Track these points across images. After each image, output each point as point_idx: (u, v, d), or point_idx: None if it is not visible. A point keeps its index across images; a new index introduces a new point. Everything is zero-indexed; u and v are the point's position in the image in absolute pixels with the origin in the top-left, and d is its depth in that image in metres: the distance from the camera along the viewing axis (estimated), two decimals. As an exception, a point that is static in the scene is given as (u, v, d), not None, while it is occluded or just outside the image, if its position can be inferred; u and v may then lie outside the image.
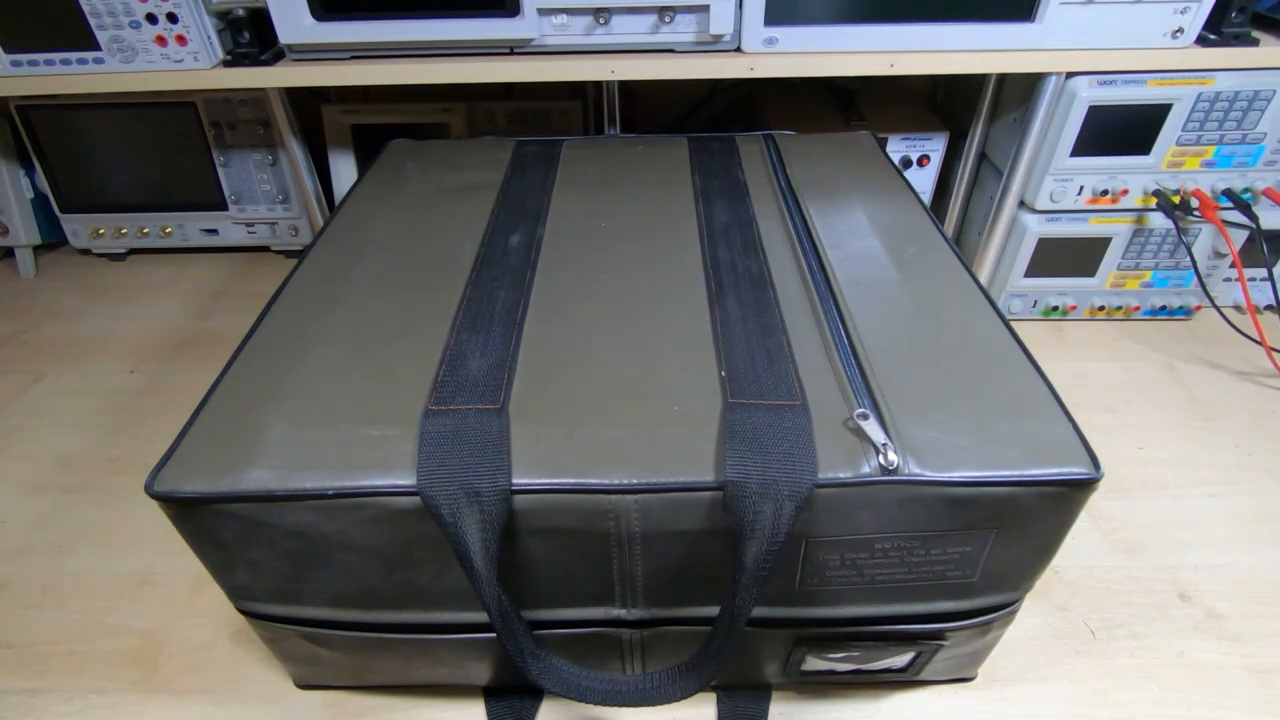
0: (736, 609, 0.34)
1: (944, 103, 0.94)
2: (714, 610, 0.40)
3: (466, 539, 0.33)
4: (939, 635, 0.42)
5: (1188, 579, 0.54)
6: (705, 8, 0.65)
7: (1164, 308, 0.80)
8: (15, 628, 0.52)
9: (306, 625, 0.41)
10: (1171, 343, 0.79)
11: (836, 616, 0.40)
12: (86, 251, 0.95)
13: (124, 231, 0.92)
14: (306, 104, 0.82)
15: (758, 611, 0.39)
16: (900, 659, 0.44)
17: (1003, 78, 0.76)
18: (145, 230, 0.91)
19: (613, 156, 0.64)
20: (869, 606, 0.40)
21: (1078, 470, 0.34)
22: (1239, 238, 0.73)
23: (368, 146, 0.86)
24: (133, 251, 0.96)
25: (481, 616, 0.40)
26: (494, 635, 0.40)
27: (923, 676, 0.47)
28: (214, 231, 0.92)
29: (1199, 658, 0.50)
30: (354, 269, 0.48)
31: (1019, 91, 0.74)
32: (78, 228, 0.92)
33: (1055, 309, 0.81)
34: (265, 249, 0.95)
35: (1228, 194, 0.71)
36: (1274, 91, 0.66)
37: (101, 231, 0.92)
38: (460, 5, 0.64)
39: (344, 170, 0.87)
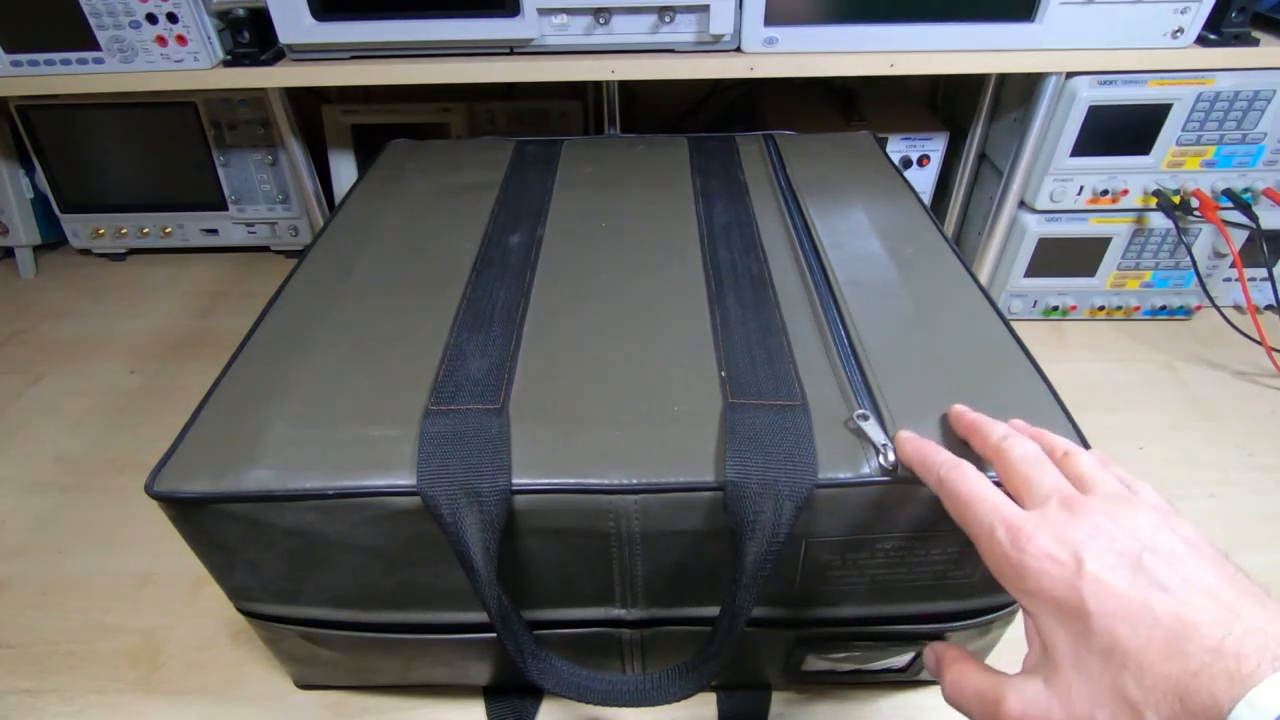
0: (736, 609, 0.34)
1: (944, 103, 0.94)
2: (714, 610, 0.40)
3: (466, 539, 0.33)
4: (939, 635, 0.41)
5: (1188, 579, 0.54)
6: (705, 8, 0.65)
7: (1164, 308, 0.80)
8: (15, 628, 0.52)
9: (306, 625, 0.41)
10: (1171, 343, 0.79)
11: (837, 616, 0.40)
12: (86, 251, 0.95)
13: (124, 231, 0.91)
14: (306, 104, 0.82)
15: (758, 611, 0.39)
16: (900, 659, 0.44)
17: (1003, 78, 0.76)
18: (145, 230, 0.91)
19: (613, 156, 0.64)
20: (869, 606, 0.40)
21: (1078, 470, 0.34)
22: (1239, 238, 0.73)
23: (368, 146, 0.86)
24: (133, 251, 0.96)
25: (481, 616, 0.39)
26: (494, 635, 0.40)
27: (923, 676, 0.47)
28: (214, 231, 0.92)
29: (1199, 658, 0.49)
30: (354, 269, 0.48)
31: (1019, 91, 0.74)
32: (78, 228, 0.92)
33: (1055, 309, 0.81)
34: (265, 249, 0.95)
35: (1228, 194, 0.71)
36: (1274, 91, 0.66)
37: (101, 231, 0.92)
38: (460, 5, 0.64)
39: (344, 170, 0.87)
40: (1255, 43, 0.66)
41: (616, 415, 0.36)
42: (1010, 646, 0.50)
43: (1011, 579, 0.27)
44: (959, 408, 0.35)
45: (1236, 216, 0.71)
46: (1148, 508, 0.27)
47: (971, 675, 0.29)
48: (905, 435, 0.33)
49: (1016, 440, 0.31)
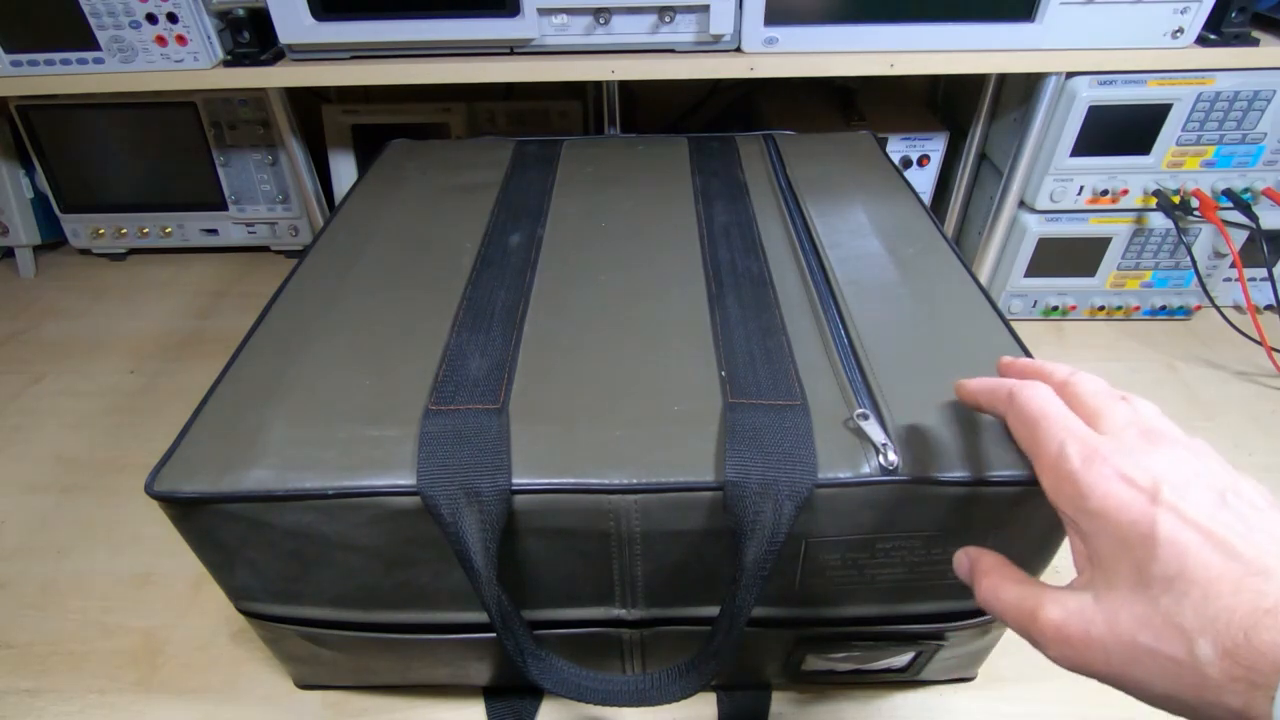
0: (736, 609, 0.34)
1: (944, 103, 0.94)
2: (714, 610, 0.40)
3: (466, 539, 0.33)
4: (939, 635, 0.42)
5: (1188, 579, 0.54)
6: (705, 8, 0.65)
7: (1164, 308, 0.80)
8: (15, 628, 0.52)
9: (306, 625, 0.41)
10: (1171, 343, 0.79)
11: (837, 616, 0.40)
12: (86, 251, 0.95)
13: (124, 231, 0.92)
14: (306, 104, 0.82)
15: (758, 611, 0.39)
16: (900, 659, 0.44)
17: (1003, 78, 0.76)
18: (145, 230, 0.91)
19: (613, 156, 0.64)
20: (869, 606, 0.40)
21: (1078, 470, 0.34)
22: (1239, 238, 0.73)
23: (368, 146, 0.86)
24: (133, 251, 0.96)
25: (481, 616, 0.39)
26: (494, 635, 0.40)
27: (923, 676, 0.47)
28: (214, 231, 0.92)
29: (1199, 658, 0.49)
30: (354, 269, 0.48)
31: (1019, 91, 0.74)
32: (78, 228, 0.92)
33: (1055, 309, 0.81)
34: (265, 249, 0.95)
35: (1228, 194, 0.71)
36: (1274, 91, 0.66)
37: (101, 231, 0.92)
38: (460, 5, 0.64)
39: (344, 170, 0.87)
40: (1255, 43, 0.66)
41: (616, 415, 0.36)
42: (1011, 646, 0.50)
43: (1071, 497, 0.26)
44: (1007, 359, 0.35)
45: (1236, 216, 0.71)
46: (1220, 460, 0.26)
47: (1009, 586, 0.28)
48: (963, 380, 0.34)
49: (1086, 376, 0.30)
